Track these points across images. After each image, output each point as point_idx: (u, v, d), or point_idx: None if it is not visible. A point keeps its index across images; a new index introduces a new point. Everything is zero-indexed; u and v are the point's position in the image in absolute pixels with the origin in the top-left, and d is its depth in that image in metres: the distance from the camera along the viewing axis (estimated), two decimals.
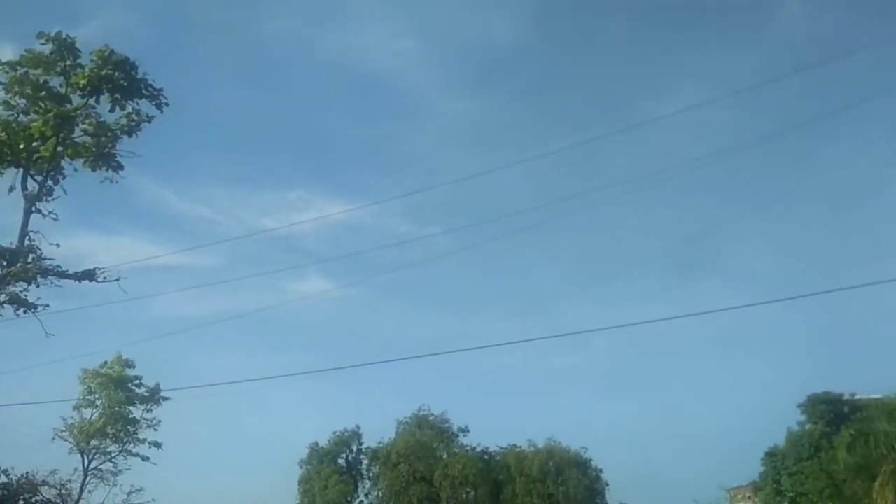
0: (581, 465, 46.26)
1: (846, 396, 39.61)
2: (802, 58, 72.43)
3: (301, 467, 49.39)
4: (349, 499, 48.78)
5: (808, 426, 40.10)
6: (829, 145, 68.20)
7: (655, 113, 75.69)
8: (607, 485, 46.94)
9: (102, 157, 19.38)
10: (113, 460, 37.48)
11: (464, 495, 45.19)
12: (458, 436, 47.77)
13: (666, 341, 64.83)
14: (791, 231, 76.95)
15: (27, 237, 18.73)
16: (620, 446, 50.29)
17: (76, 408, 37.39)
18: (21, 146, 18.33)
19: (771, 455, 41.78)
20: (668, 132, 65.83)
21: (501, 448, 47.22)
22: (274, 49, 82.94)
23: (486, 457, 46.87)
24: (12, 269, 18.26)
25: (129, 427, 37.82)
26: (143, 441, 37.95)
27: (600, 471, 46.87)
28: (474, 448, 46.97)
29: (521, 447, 46.73)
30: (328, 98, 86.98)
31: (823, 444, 36.57)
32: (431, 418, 47.89)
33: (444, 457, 45.99)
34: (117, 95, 18.70)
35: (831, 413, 38.66)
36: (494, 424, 49.53)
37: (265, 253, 61.68)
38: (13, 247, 18.52)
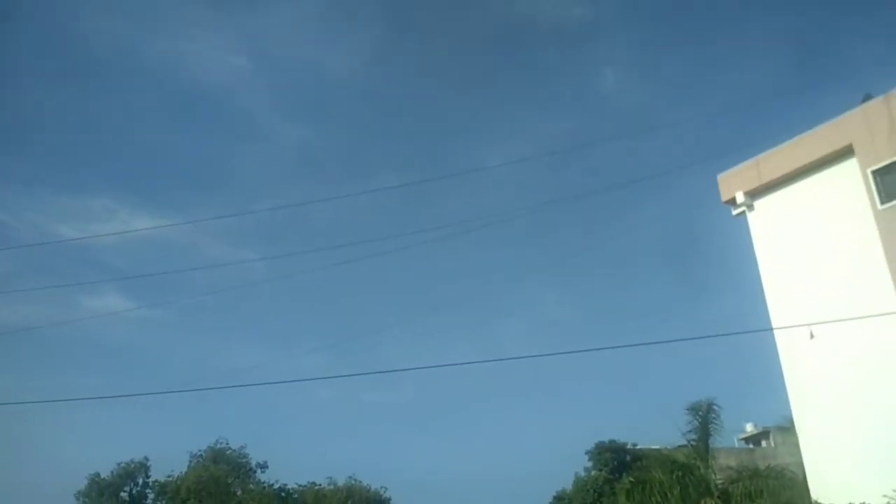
0: None
1: (629, 446, 42.56)
2: (613, 127, 78.53)
3: (78, 500, 45.21)
4: None
5: (593, 472, 42.56)
6: (632, 210, 74.03)
7: (479, 163, 78.77)
8: None
9: None
10: None
11: None
12: (255, 471, 46.02)
13: (471, 383, 66.78)
14: (591, 285, 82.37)
15: None
16: (420, 486, 50.56)
17: None
18: None
19: (559, 499, 43.86)
20: (488, 183, 68.69)
21: (300, 485, 45.97)
22: (92, 45, 77.21)
23: (283, 494, 45.27)
24: None
25: None
26: None
27: None
28: (272, 485, 45.33)
29: (320, 485, 45.76)
30: (147, 105, 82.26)
31: (606, 489, 38.87)
32: (229, 452, 45.76)
33: (239, 493, 43.98)
34: None
35: (615, 461, 41.35)
36: (297, 461, 48.35)
37: (59, 263, 56.88)
38: None
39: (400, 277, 73.43)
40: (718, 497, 19.73)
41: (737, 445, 48.62)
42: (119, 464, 45.73)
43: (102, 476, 45.38)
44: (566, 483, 44.05)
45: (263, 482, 45.29)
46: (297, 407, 67.02)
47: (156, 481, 45.89)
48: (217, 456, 45.32)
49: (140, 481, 46.35)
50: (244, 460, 45.89)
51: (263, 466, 46.02)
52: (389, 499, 46.47)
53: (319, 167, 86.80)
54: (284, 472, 46.00)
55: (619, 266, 80.00)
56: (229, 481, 44.18)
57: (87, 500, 45.04)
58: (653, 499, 19.94)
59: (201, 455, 45.35)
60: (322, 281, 78.39)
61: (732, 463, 22.49)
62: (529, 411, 70.68)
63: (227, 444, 45.95)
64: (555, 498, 44.21)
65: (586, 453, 43.32)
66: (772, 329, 19.13)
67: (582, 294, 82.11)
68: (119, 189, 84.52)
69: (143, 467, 46.29)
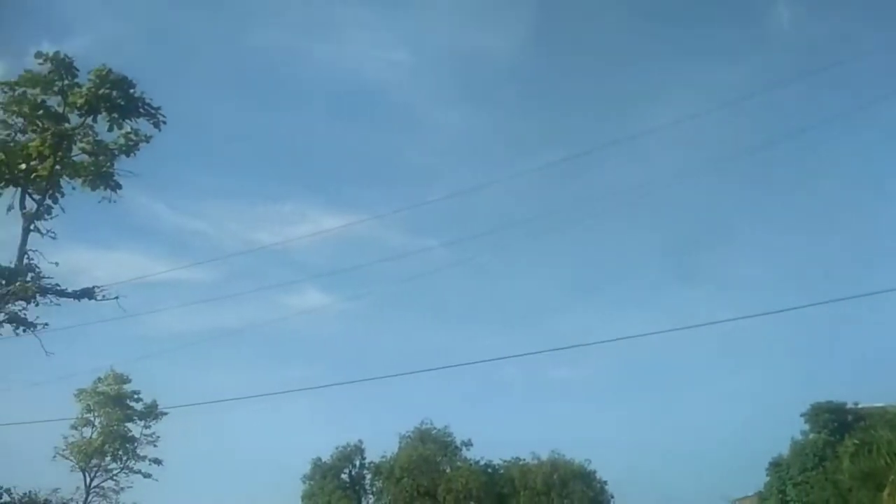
0: (585, 478, 46.06)
1: (849, 405, 39.48)
2: (793, 66, 72.53)
3: (304, 483, 49.15)
4: None
5: (812, 436, 39.96)
6: (821, 154, 68.05)
7: (647, 125, 75.82)
8: (612, 497, 46.88)
9: (101, 176, 19.42)
10: (114, 478, 37.70)
11: None
12: (461, 449, 47.57)
13: (666, 352, 64.68)
14: (786, 241, 77.00)
15: (26, 256, 18.76)
16: (624, 458, 49.89)
17: (74, 427, 37.53)
18: (20, 165, 18.37)
19: (776, 465, 41.62)
20: (659, 143, 65.76)
21: (505, 461, 47.05)
22: (264, 61, 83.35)
23: (489, 470, 46.66)
24: (11, 287, 18.23)
25: (127, 445, 37.99)
26: (144, 458, 38.17)
27: (605, 483, 46.79)
28: (478, 462, 46.75)
29: (524, 460, 46.57)
30: (320, 110, 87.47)
31: (828, 453, 36.44)
32: (434, 432, 47.70)
33: (448, 471, 45.75)
34: (115, 114, 18.73)
35: (835, 422, 38.53)
36: (497, 438, 49.28)
37: (260, 267, 61.47)
38: (12, 266, 18.54)
39: (579, 249, 72.58)
40: None
41: None
42: (337, 447, 49.17)
43: (324, 460, 48.98)
44: (782, 448, 41.76)
45: (469, 459, 46.82)
46: (492, 386, 68.38)
47: (371, 462, 48.90)
48: (424, 436, 47.40)
49: (357, 463, 49.57)
50: (449, 439, 47.62)
51: (468, 444, 47.53)
52: (595, 471, 46.45)
53: (486, 148, 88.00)
54: (487, 448, 47.36)
55: (815, 216, 74.18)
56: (437, 460, 46.09)
57: (311, 483, 48.84)
58: (881, 460, 18.51)
59: (409, 436, 47.66)
60: (502, 261, 79.23)
61: None
62: (735, 377, 67.48)
63: (432, 424, 47.97)
64: (771, 464, 42.03)
65: (802, 416, 40.73)
66: None
67: (777, 251, 76.94)
68: (304, 192, 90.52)
69: (359, 450, 49.44)
